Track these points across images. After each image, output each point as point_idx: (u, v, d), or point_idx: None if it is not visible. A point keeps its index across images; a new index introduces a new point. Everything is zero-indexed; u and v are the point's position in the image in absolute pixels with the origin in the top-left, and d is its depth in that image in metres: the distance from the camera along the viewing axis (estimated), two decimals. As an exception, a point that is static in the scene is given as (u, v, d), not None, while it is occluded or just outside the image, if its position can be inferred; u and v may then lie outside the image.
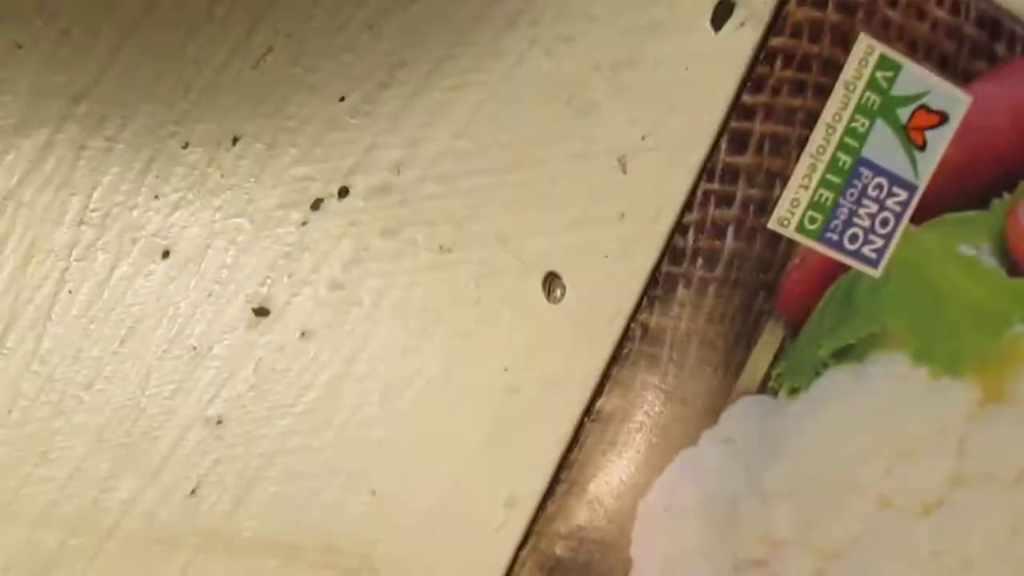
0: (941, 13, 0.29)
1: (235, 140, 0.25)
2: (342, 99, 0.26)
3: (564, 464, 0.32)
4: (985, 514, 0.34)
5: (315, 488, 0.28)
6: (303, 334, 0.27)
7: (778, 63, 0.29)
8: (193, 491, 0.27)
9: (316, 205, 0.26)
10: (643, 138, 0.28)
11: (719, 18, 0.28)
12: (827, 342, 0.32)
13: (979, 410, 0.33)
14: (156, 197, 0.25)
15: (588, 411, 0.31)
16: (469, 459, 0.30)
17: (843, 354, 0.32)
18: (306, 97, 0.26)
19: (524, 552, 0.32)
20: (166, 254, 0.25)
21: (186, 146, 0.25)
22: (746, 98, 0.29)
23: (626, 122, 0.28)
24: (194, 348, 0.26)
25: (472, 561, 0.32)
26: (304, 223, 0.26)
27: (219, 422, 0.27)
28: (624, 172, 0.29)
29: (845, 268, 0.31)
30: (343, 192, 0.26)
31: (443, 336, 0.28)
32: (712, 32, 0.28)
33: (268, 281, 0.26)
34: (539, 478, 0.31)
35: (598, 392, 0.31)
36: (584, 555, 0.32)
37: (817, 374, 0.32)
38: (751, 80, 0.29)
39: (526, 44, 0.27)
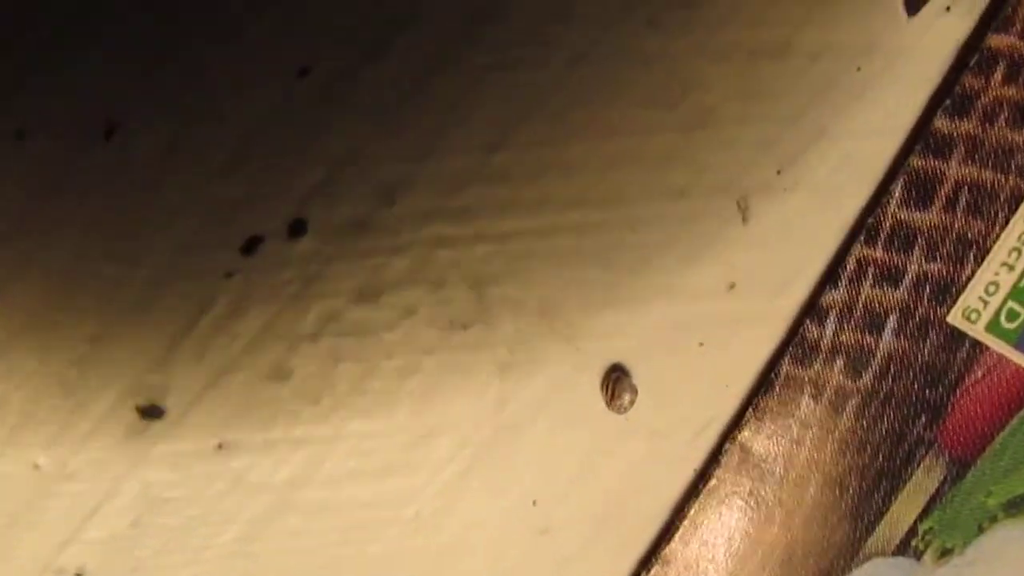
0: None
1: (110, 131, 0.14)
2: (303, 72, 0.14)
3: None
4: None
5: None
6: (220, 446, 0.16)
7: (998, 74, 0.17)
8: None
9: (251, 246, 0.15)
10: (778, 172, 0.17)
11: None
12: (1001, 488, 0.21)
13: None
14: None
15: (647, 560, 0.20)
16: None
17: (1019, 505, 0.21)
18: (241, 65, 0.14)
19: None
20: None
21: (21, 135, 0.14)
22: (941, 123, 0.18)
23: (756, 145, 0.17)
24: (36, 466, 0.15)
25: None
26: (230, 274, 0.15)
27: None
28: (744, 221, 0.17)
29: (1046, 386, 0.19)
30: (296, 228, 0.15)
31: (446, 452, 0.17)
32: (903, 15, 0.17)
33: (165, 365, 0.15)
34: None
35: (665, 535, 0.20)
36: None
37: (980, 530, 0.21)
38: (953, 96, 0.17)
39: (617, 9, 0.16)
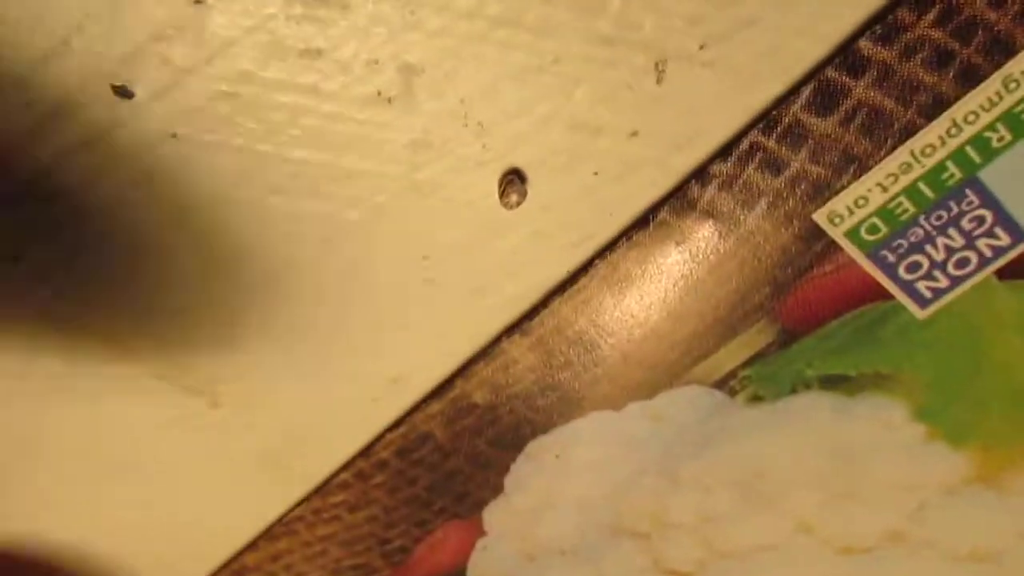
0: None
1: None
2: None
3: (464, 372, 0.27)
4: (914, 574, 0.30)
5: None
6: (175, 135, 0.21)
7: (931, 14, 0.20)
8: None
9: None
10: (701, 46, 0.20)
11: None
12: (821, 364, 0.26)
13: (962, 487, 0.28)
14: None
15: (511, 328, 0.25)
16: (366, 327, 0.25)
17: (833, 382, 0.26)
18: None
19: (394, 432, 0.29)
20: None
21: None
22: (864, 44, 0.20)
23: (687, 16, 0.20)
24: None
25: (337, 422, 0.28)
26: (199, 1, 0.19)
27: None
28: (658, 82, 0.21)
29: (885, 296, 0.24)
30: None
31: (360, 192, 0.22)
32: None
33: (136, 60, 0.20)
34: (435, 372, 0.27)
35: (529, 315, 0.25)
36: (453, 464, 0.29)
37: (792, 391, 0.26)
38: (882, 22, 0.20)
39: None
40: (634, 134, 0.23)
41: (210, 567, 0.34)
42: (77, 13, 0.20)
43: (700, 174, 0.24)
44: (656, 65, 0.22)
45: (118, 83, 0.21)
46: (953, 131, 0.22)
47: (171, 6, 0.19)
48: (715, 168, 0.23)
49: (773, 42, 0.22)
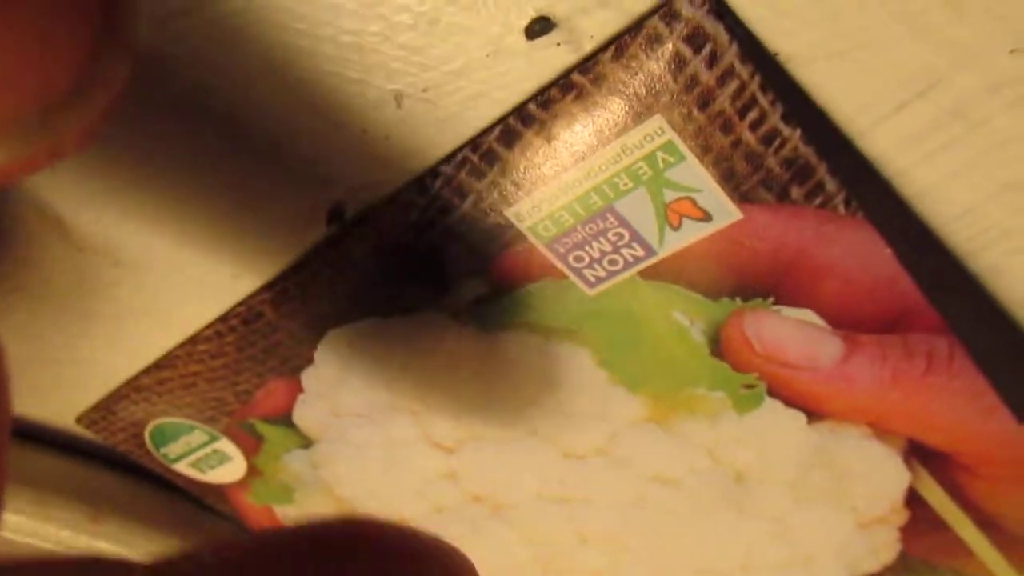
0: (750, 136, 0.31)
1: None
2: None
3: (286, 274, 0.39)
4: (607, 483, 0.43)
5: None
6: None
7: (570, 97, 0.31)
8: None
9: None
10: (424, 90, 0.32)
11: (534, 30, 0.30)
12: (524, 314, 0.38)
13: (641, 423, 0.41)
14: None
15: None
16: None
17: (535, 329, 0.38)
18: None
19: (240, 307, 0.41)
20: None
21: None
22: (531, 107, 0.32)
23: (416, 70, 0.31)
24: None
25: (205, 291, 0.41)
26: None
27: None
28: (399, 106, 0.32)
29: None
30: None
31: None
32: (523, 39, 0.30)
33: None
34: (266, 273, 0.39)
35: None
36: (279, 337, 0.42)
37: (508, 330, 0.38)
38: (542, 94, 0.31)
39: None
40: (387, 138, 0.35)
41: (117, 383, 0.48)
42: None
43: (431, 173, 0.35)
44: (395, 97, 0.33)
45: None
46: (591, 174, 0.33)
47: None
48: (442, 168, 0.35)
49: (475, 94, 0.33)
